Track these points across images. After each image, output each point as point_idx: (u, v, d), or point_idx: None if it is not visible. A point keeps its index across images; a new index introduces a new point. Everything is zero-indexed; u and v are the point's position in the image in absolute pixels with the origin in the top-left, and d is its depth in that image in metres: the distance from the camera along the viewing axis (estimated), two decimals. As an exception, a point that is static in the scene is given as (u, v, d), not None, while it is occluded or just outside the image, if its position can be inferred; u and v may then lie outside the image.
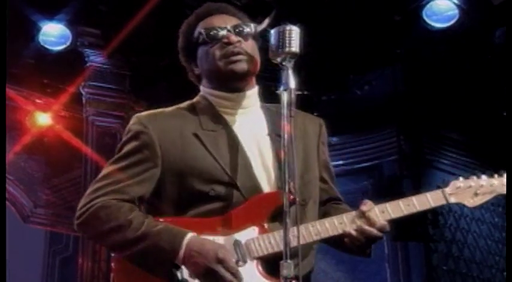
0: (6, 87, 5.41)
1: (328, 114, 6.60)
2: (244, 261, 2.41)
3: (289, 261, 2.17)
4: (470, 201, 2.66)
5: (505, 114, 6.23)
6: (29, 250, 8.08)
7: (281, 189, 2.30)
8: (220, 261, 2.33)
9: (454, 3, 5.85)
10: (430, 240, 6.66)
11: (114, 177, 2.51)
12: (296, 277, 2.17)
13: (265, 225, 2.46)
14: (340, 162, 7.24)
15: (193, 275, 2.36)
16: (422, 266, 6.75)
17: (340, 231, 2.50)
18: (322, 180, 2.72)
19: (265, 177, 2.53)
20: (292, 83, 2.35)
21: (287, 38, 2.38)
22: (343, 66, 6.67)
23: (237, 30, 2.60)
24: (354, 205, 2.60)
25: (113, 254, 2.57)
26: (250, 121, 2.63)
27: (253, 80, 2.67)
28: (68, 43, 6.28)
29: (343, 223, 2.51)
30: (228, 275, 2.33)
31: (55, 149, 7.27)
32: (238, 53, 2.56)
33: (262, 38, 2.71)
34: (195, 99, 2.70)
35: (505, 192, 2.68)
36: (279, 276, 2.19)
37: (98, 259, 6.34)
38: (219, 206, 2.46)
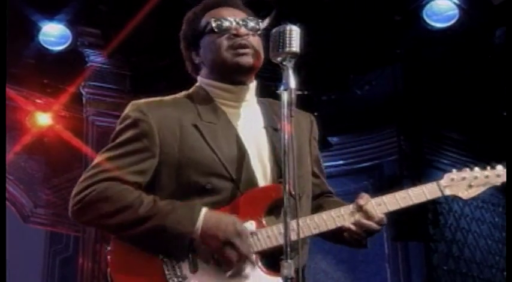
0: (6, 87, 5.41)
1: (328, 114, 6.61)
2: None
3: (289, 260, 2.17)
4: (465, 193, 2.68)
5: (505, 114, 6.23)
6: (29, 250, 8.08)
7: (277, 183, 2.33)
8: (239, 234, 2.34)
9: (454, 3, 5.85)
10: (430, 240, 6.66)
11: (112, 164, 2.47)
12: (296, 270, 2.17)
13: (263, 219, 2.46)
14: (340, 162, 7.25)
15: (209, 247, 2.36)
16: (422, 266, 6.75)
17: (339, 225, 2.51)
18: (314, 175, 2.74)
19: (261, 171, 2.53)
20: (293, 82, 2.36)
21: (287, 38, 2.38)
22: (343, 66, 6.66)
23: (245, 23, 2.60)
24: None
25: (114, 237, 2.50)
26: (247, 114, 2.63)
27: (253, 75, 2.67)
28: (68, 43, 6.28)
29: (340, 216, 2.52)
30: (244, 248, 2.35)
31: (55, 149, 7.27)
32: (246, 46, 2.55)
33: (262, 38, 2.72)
34: (191, 90, 2.69)
35: (498, 183, 2.71)
36: (277, 270, 2.20)
37: (98, 259, 6.34)
38: (215, 200, 2.45)
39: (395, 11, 6.09)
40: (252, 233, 2.42)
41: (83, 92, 6.78)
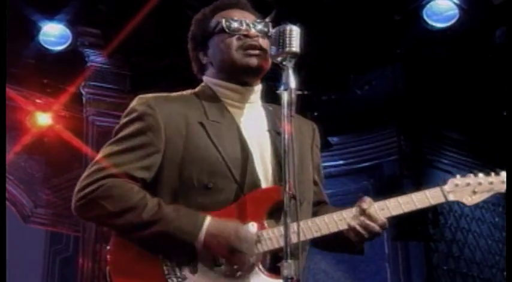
0: (6, 87, 5.41)
1: (328, 114, 6.62)
2: None
3: (289, 261, 2.17)
4: (469, 199, 2.67)
5: (505, 114, 6.23)
6: (29, 250, 8.09)
7: (279, 185, 2.32)
8: (243, 241, 2.34)
9: (454, 3, 5.85)
10: (430, 239, 6.65)
11: (117, 159, 2.45)
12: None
13: (264, 221, 2.46)
14: (340, 162, 7.24)
15: (215, 255, 2.36)
16: (422, 266, 6.74)
17: (340, 228, 2.50)
18: (314, 182, 2.74)
19: (263, 173, 2.53)
20: (293, 82, 2.36)
21: (287, 38, 2.39)
22: (343, 66, 6.66)
23: (254, 25, 2.61)
24: (354, 205, 2.59)
25: (114, 235, 2.49)
26: (252, 116, 2.63)
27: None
28: (68, 43, 6.27)
29: (343, 220, 2.51)
30: (250, 254, 2.34)
31: (55, 149, 7.27)
32: (256, 47, 2.56)
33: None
34: (197, 89, 2.69)
35: (503, 190, 2.69)
36: (278, 273, 2.20)
37: (98, 259, 6.34)
38: (216, 200, 2.44)
39: (395, 11, 6.08)
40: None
41: (83, 92, 6.78)
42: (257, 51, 2.56)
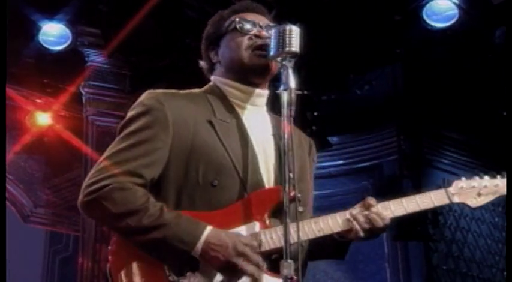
0: (6, 86, 5.41)
1: (328, 114, 6.62)
2: None
3: (289, 260, 2.18)
4: (473, 202, 2.68)
5: (505, 114, 6.23)
6: (29, 250, 8.09)
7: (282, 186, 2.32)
8: (241, 255, 2.33)
9: (454, 3, 5.85)
10: (430, 239, 6.66)
11: (127, 154, 2.44)
12: (296, 270, 2.19)
13: (267, 221, 2.47)
14: (340, 162, 7.24)
15: (212, 267, 2.35)
16: (422, 266, 6.74)
17: (344, 228, 2.51)
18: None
19: (266, 175, 2.54)
20: (293, 82, 2.37)
21: (287, 38, 2.39)
22: (343, 66, 6.66)
23: (267, 28, 2.63)
24: (354, 205, 2.60)
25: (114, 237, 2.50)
26: (258, 119, 2.66)
27: (267, 82, 2.69)
28: (68, 43, 6.27)
29: (344, 220, 2.52)
30: (250, 268, 2.33)
31: (55, 149, 7.28)
32: (265, 48, 2.56)
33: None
34: (204, 88, 2.71)
35: None
36: (279, 271, 2.22)
37: (98, 259, 6.34)
38: (220, 198, 2.45)
39: (395, 11, 6.09)
40: (255, 234, 2.42)
41: (83, 92, 6.78)
42: (266, 52, 2.55)
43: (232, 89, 2.65)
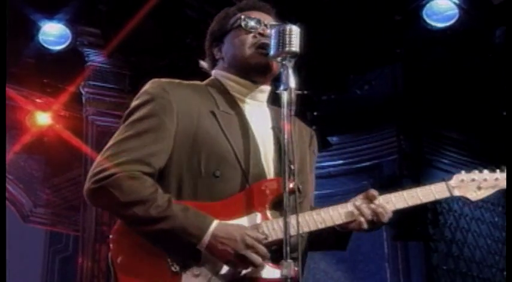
0: (6, 86, 5.41)
1: (328, 113, 6.62)
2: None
3: (289, 260, 2.19)
4: (473, 195, 2.69)
5: (505, 114, 6.23)
6: (29, 250, 8.09)
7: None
8: (249, 247, 2.34)
9: (454, 2, 5.85)
10: (430, 239, 6.66)
11: (134, 142, 2.44)
12: (294, 259, 2.20)
13: (268, 212, 2.47)
14: (340, 162, 7.25)
15: (219, 260, 2.36)
16: (422, 266, 6.74)
17: (346, 220, 2.51)
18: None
19: (267, 167, 2.55)
20: (292, 82, 2.38)
21: (287, 37, 2.40)
22: (343, 66, 6.67)
23: (272, 27, 2.61)
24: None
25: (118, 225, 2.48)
26: (258, 112, 2.67)
27: (269, 80, 2.71)
28: (68, 42, 6.27)
29: (347, 211, 2.52)
30: (259, 259, 2.35)
31: (55, 149, 7.28)
32: (268, 47, 2.55)
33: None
34: (205, 82, 2.72)
35: None
36: (278, 262, 2.24)
37: (97, 258, 6.34)
38: (222, 189, 2.45)
39: (395, 11, 6.09)
40: (256, 225, 2.43)
41: (83, 92, 6.78)
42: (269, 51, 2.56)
43: (233, 83, 2.66)
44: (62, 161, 7.45)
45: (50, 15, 6.17)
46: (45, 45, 6.25)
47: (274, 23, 2.66)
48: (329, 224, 2.50)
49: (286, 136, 2.34)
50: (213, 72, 2.74)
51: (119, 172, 2.38)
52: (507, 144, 3.54)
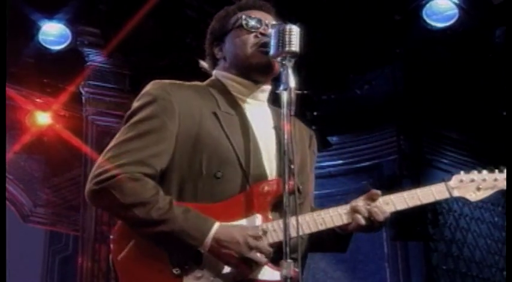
0: (6, 86, 5.41)
1: (327, 113, 6.62)
2: None
3: (289, 260, 2.19)
4: (473, 196, 2.69)
5: (505, 114, 6.23)
6: (28, 250, 8.09)
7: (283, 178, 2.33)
8: (253, 248, 2.34)
9: (454, 2, 5.85)
10: (429, 239, 6.66)
11: (136, 144, 2.43)
12: (294, 259, 2.20)
13: (269, 214, 2.47)
14: (340, 161, 7.25)
15: (222, 262, 2.36)
16: (422, 266, 6.75)
17: (346, 221, 2.51)
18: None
19: (269, 168, 2.55)
20: (292, 82, 2.38)
21: (287, 37, 2.40)
22: (343, 65, 6.66)
23: (273, 26, 2.62)
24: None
25: (118, 226, 2.49)
26: (259, 112, 2.67)
27: (270, 79, 2.70)
28: (68, 42, 6.27)
29: (346, 213, 2.52)
30: (264, 259, 2.36)
31: (55, 149, 7.27)
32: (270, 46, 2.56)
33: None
34: (206, 82, 2.72)
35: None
36: (278, 264, 2.24)
37: (97, 258, 6.34)
38: (223, 189, 2.45)
39: (395, 11, 6.09)
40: (257, 227, 2.42)
41: (83, 92, 6.78)
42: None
43: (234, 83, 2.66)
44: (62, 161, 7.44)
45: (50, 15, 6.16)
46: (45, 45, 6.25)
47: (274, 22, 2.66)
48: (329, 225, 2.50)
49: (286, 136, 2.34)
50: (214, 72, 2.74)
51: (121, 174, 2.38)
52: (507, 144, 3.54)
